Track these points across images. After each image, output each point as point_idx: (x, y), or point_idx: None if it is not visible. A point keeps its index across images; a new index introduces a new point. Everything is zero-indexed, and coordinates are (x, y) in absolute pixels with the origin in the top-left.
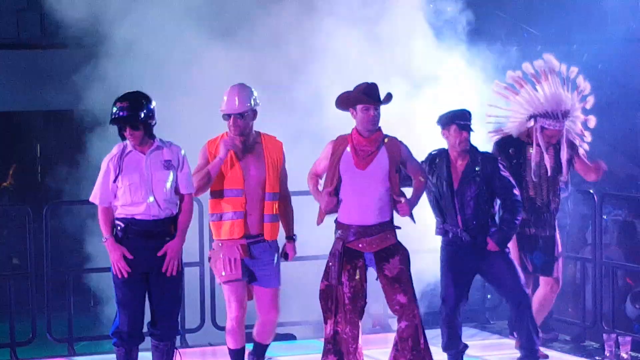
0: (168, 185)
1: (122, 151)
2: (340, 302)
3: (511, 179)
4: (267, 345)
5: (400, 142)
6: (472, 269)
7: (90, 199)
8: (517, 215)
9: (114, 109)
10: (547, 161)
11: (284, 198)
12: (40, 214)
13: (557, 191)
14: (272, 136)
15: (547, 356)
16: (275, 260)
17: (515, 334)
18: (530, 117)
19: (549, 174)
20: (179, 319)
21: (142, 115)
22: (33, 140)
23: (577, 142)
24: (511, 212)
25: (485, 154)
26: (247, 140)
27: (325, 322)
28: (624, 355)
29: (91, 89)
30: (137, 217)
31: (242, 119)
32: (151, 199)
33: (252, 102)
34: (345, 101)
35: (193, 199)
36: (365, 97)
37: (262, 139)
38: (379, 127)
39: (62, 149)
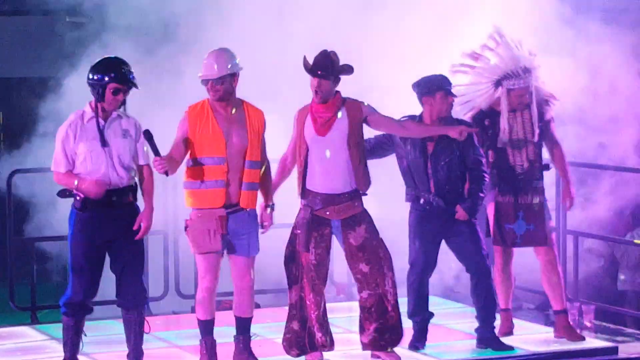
0: (127, 154)
1: (81, 118)
2: (305, 269)
3: (482, 151)
4: (248, 320)
5: (361, 102)
6: (440, 235)
7: (53, 168)
8: (482, 186)
9: (123, 70)
10: (520, 125)
11: (263, 166)
12: (3, 181)
13: (537, 156)
14: (253, 105)
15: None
16: (254, 229)
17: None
18: (496, 83)
19: (525, 138)
20: (146, 287)
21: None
22: None
23: (549, 104)
24: (477, 182)
25: (461, 121)
26: (228, 107)
27: (290, 289)
28: (587, 324)
29: (56, 56)
30: None
31: (221, 84)
32: (108, 169)
33: (232, 67)
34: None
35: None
36: (308, 68)
37: (244, 106)
38: (336, 92)
39: (25, 118)
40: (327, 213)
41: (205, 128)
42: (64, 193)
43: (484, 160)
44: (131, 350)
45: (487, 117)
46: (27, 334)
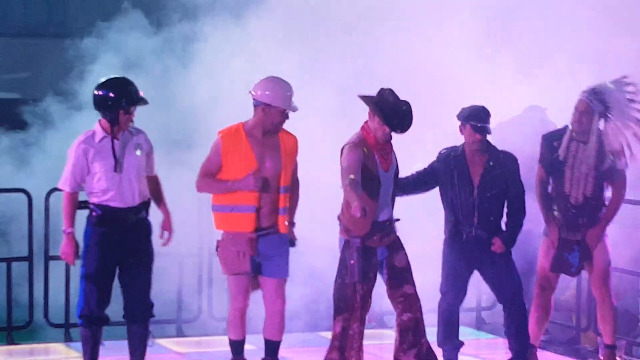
0: (142, 169)
1: (92, 138)
2: (353, 300)
3: (523, 185)
4: (278, 343)
5: None
6: (473, 265)
7: (59, 186)
8: (522, 219)
9: (132, 91)
10: (585, 157)
11: (294, 187)
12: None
13: (598, 192)
14: (286, 130)
15: None
16: (284, 251)
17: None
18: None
19: (587, 172)
20: (152, 302)
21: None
22: None
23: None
24: (517, 215)
25: (506, 153)
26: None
27: (336, 319)
28: (618, 359)
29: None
30: (112, 205)
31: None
32: (127, 186)
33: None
34: (383, 111)
35: None
36: (399, 125)
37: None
38: None
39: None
40: (377, 241)
41: (238, 152)
42: (82, 204)
43: (524, 196)
44: None
45: (556, 139)
46: (59, 351)
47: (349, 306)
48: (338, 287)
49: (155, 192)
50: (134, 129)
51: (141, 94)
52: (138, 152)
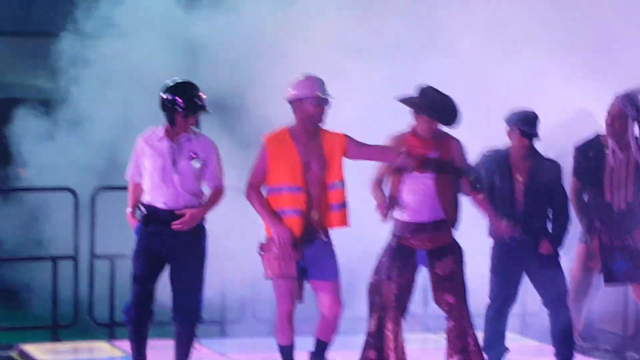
0: (190, 177)
1: (154, 134)
2: (387, 299)
3: (566, 193)
4: (328, 343)
5: (456, 140)
6: (521, 269)
7: (125, 177)
8: (567, 221)
9: (191, 96)
10: (623, 163)
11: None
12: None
13: (638, 196)
14: (329, 130)
15: None
16: (331, 255)
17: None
18: None
19: (626, 179)
20: (200, 306)
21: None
22: None
23: None
24: (562, 217)
25: (550, 160)
26: (308, 133)
27: (370, 317)
28: None
29: None
30: (156, 205)
31: (325, 106)
32: (170, 188)
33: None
34: (431, 107)
35: (222, 190)
36: (449, 118)
37: (321, 132)
38: None
39: None
40: (415, 242)
41: (284, 157)
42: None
43: (569, 202)
44: None
45: (592, 149)
46: (104, 349)
47: (383, 304)
48: (373, 284)
49: (209, 200)
50: (196, 135)
51: (203, 98)
52: (196, 164)
